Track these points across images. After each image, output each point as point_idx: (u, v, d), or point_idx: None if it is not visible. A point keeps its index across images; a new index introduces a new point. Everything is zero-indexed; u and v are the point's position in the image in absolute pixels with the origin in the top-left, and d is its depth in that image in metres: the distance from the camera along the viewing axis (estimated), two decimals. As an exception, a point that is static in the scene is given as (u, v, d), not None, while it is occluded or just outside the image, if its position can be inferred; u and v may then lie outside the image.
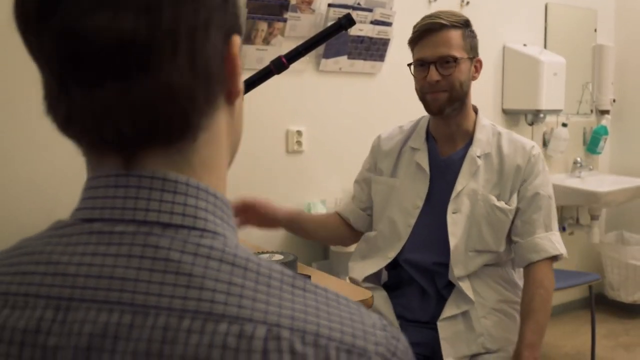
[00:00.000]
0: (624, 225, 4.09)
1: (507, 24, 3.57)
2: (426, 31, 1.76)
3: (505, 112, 3.60)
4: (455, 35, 1.75)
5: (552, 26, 3.77)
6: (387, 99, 2.99)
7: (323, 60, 2.81)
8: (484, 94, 3.52)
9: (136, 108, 0.51)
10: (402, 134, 1.95)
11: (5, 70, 2.16)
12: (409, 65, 1.82)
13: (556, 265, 3.86)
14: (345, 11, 2.66)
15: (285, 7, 2.58)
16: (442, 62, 1.74)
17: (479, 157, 1.81)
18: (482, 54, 3.45)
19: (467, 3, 3.32)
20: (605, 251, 3.97)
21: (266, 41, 2.59)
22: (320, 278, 1.82)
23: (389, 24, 2.88)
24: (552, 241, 1.79)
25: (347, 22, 1.56)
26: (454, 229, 1.79)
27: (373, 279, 1.94)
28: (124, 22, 0.49)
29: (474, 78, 1.82)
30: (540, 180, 1.80)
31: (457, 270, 1.77)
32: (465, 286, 1.77)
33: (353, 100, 2.95)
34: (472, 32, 1.81)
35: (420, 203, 1.85)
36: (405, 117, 2.09)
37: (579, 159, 3.91)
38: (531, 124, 3.62)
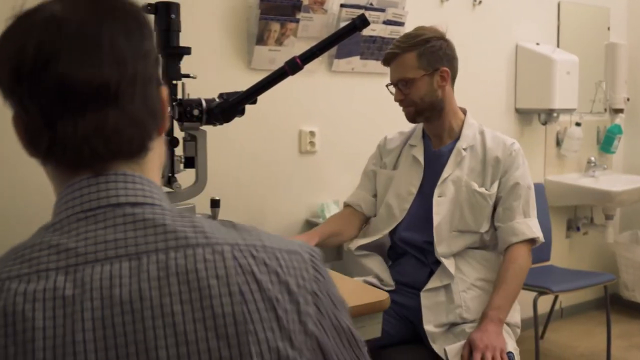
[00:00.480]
0: (639, 225, 4.06)
1: (520, 23, 3.55)
2: (385, 60, 2.09)
3: (518, 111, 3.58)
4: (409, 58, 2.01)
5: (564, 25, 3.75)
6: (399, 99, 2.98)
7: (335, 61, 2.81)
8: (496, 93, 3.51)
9: (109, 133, 0.71)
10: (404, 135, 2.25)
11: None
12: (387, 86, 2.11)
13: (570, 265, 3.84)
14: (357, 11, 2.66)
15: (297, 7, 2.58)
16: (401, 83, 2.04)
17: (464, 149, 2.07)
18: (495, 53, 3.45)
19: (480, 2, 3.31)
20: (619, 251, 3.94)
21: (279, 42, 2.60)
22: (333, 277, 1.82)
23: (401, 24, 2.87)
24: (530, 226, 2.02)
25: (361, 22, 1.57)
26: (438, 209, 2.05)
27: (372, 250, 2.20)
28: (104, 73, 0.70)
29: (442, 87, 2.04)
30: (520, 173, 2.04)
31: (441, 248, 2.03)
32: (448, 263, 2.01)
33: (366, 100, 2.94)
34: (433, 46, 2.01)
35: (414, 190, 2.11)
36: (419, 117, 2.09)
37: (592, 159, 3.88)
38: (544, 123, 3.60)
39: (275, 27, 2.57)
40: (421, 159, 2.12)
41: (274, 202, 2.75)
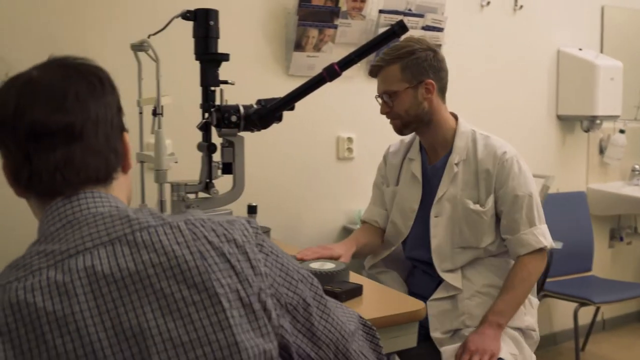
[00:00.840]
0: (685, 235, 3.95)
1: (562, 27, 3.49)
2: (370, 72, 2.08)
3: (560, 118, 3.52)
4: (393, 70, 1.99)
5: (608, 29, 3.68)
6: (438, 105, 2.95)
7: (373, 67, 2.79)
8: (538, 99, 3.46)
9: (77, 164, 0.90)
10: (404, 147, 2.22)
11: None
12: (376, 97, 2.08)
13: (613, 276, 3.75)
14: (396, 17, 2.65)
15: (336, 13, 2.58)
16: (385, 96, 2.02)
17: (456, 164, 2.03)
18: (536, 59, 3.40)
19: (521, 7, 3.27)
20: (664, 261, 3.84)
21: (317, 48, 2.60)
22: (370, 285, 1.81)
23: (440, 30, 2.85)
24: (536, 235, 1.98)
25: (399, 28, 1.56)
26: (435, 230, 2.06)
27: (389, 265, 2.23)
28: (69, 118, 0.90)
29: (428, 99, 2.00)
30: (517, 183, 1.98)
31: (445, 265, 2.05)
32: (452, 277, 2.03)
33: (403, 106, 2.92)
34: (418, 58, 1.98)
35: (416, 207, 2.12)
36: (458, 123, 2.06)
37: (637, 166, 3.80)
38: (587, 130, 3.53)
39: (314, 33, 2.57)
40: (419, 175, 2.11)
41: (311, 208, 2.75)
